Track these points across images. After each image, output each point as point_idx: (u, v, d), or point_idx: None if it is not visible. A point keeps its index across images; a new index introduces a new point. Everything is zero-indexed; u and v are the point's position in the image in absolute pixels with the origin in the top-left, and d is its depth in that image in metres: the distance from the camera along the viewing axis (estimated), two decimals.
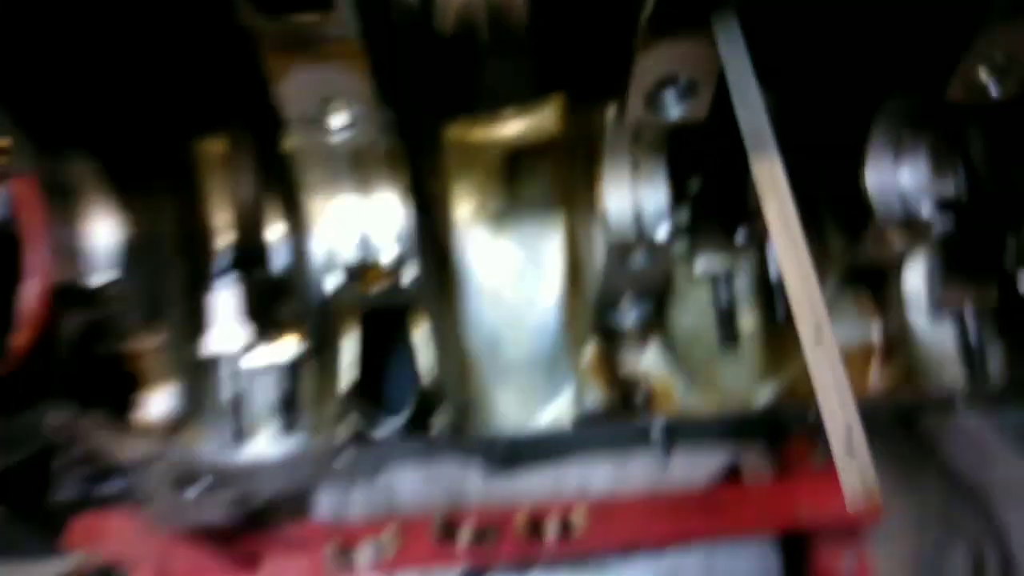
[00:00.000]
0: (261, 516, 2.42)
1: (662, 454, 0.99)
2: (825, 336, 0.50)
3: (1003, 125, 0.89)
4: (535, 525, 2.31)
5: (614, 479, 2.65)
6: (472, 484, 2.64)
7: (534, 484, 2.59)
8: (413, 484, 2.69)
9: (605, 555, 2.27)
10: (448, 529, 2.35)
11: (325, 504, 2.68)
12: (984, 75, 0.67)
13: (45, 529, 1.08)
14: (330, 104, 0.60)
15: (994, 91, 0.68)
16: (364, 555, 2.29)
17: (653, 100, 0.65)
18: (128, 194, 0.78)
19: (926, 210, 0.79)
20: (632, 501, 2.27)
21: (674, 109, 0.65)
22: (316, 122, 0.61)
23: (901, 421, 2.79)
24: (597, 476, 2.66)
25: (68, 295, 0.78)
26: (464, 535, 2.32)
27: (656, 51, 0.60)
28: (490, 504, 2.42)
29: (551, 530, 2.27)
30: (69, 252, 0.75)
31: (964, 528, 2.58)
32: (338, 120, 0.61)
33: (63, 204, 0.74)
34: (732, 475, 2.64)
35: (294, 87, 0.58)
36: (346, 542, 2.27)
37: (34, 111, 0.65)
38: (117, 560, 1.90)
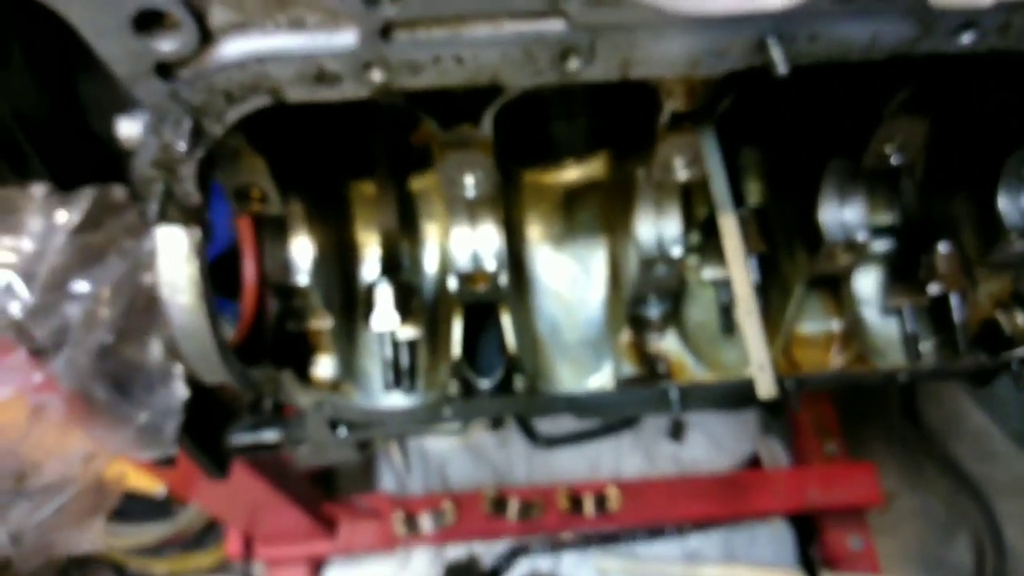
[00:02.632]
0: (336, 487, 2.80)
1: (677, 412, 1.29)
2: (754, 312, 0.85)
3: (927, 174, 1.23)
4: (574, 502, 2.69)
5: (644, 465, 3.01)
6: (516, 466, 3.02)
7: (571, 467, 2.96)
8: (464, 465, 3.07)
9: (636, 531, 2.60)
10: (498, 504, 2.74)
11: (389, 480, 3.09)
12: (888, 149, 1.02)
13: (216, 463, 1.41)
14: (467, 172, 0.96)
15: (895, 160, 1.02)
16: (426, 523, 2.69)
17: (668, 167, 1.00)
18: (314, 223, 1.15)
19: (861, 236, 1.13)
20: (660, 483, 2.62)
21: (682, 173, 1.00)
22: (458, 184, 0.97)
23: (909, 419, 3.08)
24: (628, 462, 3.03)
25: (276, 290, 1.15)
26: (512, 509, 2.71)
27: (670, 140, 0.95)
28: (533, 483, 2.79)
29: (588, 507, 2.64)
30: (279, 262, 1.13)
31: (967, 520, 2.88)
32: (470, 181, 0.98)
33: (279, 231, 1.11)
34: (751, 463, 2.99)
35: (448, 164, 0.94)
36: (410, 512, 2.67)
37: (276, 173, 1.02)
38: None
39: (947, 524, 2.72)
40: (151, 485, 2.17)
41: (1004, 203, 1.14)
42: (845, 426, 2.61)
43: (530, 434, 2.56)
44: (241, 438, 1.33)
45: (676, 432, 2.78)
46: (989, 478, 2.72)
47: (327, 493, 2.54)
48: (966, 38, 0.78)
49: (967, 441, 2.84)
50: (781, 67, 0.75)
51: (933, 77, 0.96)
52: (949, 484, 2.72)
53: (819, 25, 0.76)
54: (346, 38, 0.75)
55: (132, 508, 2.38)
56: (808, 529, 2.52)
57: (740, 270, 0.86)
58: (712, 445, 2.75)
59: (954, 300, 1.16)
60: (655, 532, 2.53)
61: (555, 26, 0.75)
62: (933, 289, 1.15)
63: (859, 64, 0.81)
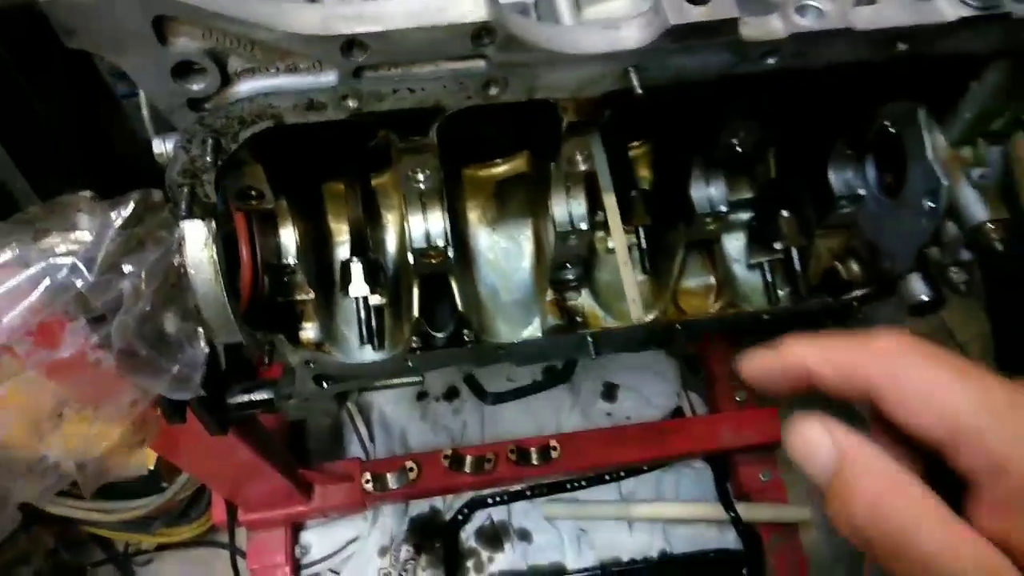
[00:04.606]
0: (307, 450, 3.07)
1: (593, 354, 1.62)
2: (627, 263, 1.18)
3: (777, 159, 1.58)
4: (522, 454, 3.03)
5: (582, 422, 3.37)
6: (470, 430, 3.35)
7: (518, 427, 3.30)
8: (422, 433, 3.38)
9: (577, 479, 2.94)
10: (455, 460, 3.07)
11: (355, 449, 3.38)
12: (735, 141, 1.36)
13: (218, 422, 1.68)
14: (418, 170, 1.27)
15: (740, 148, 1.37)
16: (392, 481, 3.00)
17: (571, 161, 1.33)
18: (297, 215, 1.43)
19: (724, 208, 1.47)
20: (596, 434, 2.97)
21: (582, 165, 1.33)
22: (412, 179, 1.27)
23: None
24: (568, 421, 3.39)
25: (268, 269, 1.44)
26: (468, 464, 3.03)
27: (570, 142, 1.27)
28: (484, 442, 3.12)
29: (534, 458, 2.98)
30: (271, 246, 1.41)
31: None
32: (421, 177, 1.28)
33: (272, 221, 1.40)
34: (675, 414, 3.37)
35: (404, 164, 1.24)
36: (377, 473, 2.97)
37: (270, 177, 1.30)
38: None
39: None
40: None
41: (833, 177, 1.50)
42: None
43: (480, 393, 2.87)
44: (238, 398, 1.61)
45: (609, 394, 3.13)
46: None
47: (301, 462, 2.80)
48: (771, 61, 1.11)
49: None
50: (638, 88, 1.07)
51: (763, 89, 1.30)
52: (841, 419, 3.13)
53: (664, 58, 1.08)
54: (329, 77, 1.04)
55: (119, 484, 2.59)
56: (724, 467, 2.90)
57: (618, 233, 1.19)
58: (641, 402, 3.10)
59: (794, 254, 1.51)
60: (594, 479, 2.87)
61: (479, 65, 1.06)
62: (778, 246, 1.51)
63: (703, 83, 1.14)
